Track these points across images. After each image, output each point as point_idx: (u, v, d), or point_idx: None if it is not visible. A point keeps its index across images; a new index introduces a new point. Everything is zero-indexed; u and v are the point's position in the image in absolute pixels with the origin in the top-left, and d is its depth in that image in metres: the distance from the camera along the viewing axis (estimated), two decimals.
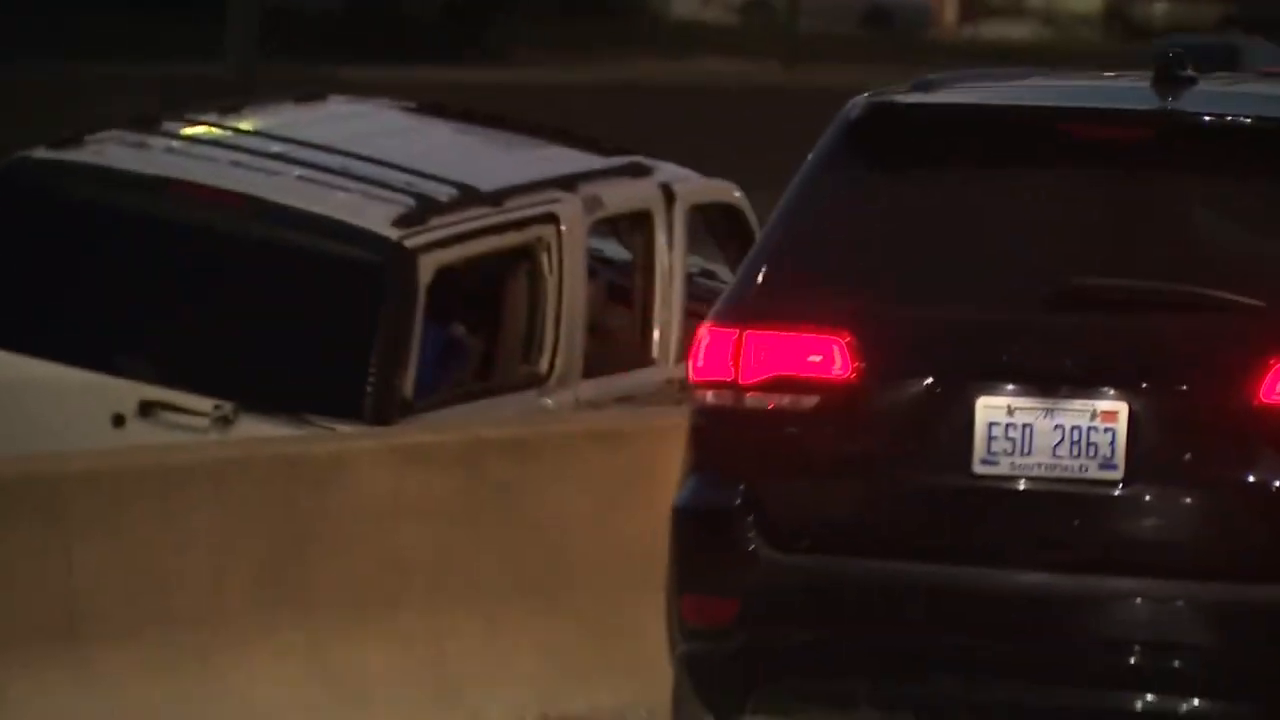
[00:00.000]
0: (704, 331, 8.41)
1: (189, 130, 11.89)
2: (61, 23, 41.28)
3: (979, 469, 7.89)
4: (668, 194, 12.01)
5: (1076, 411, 7.95)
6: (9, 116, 23.51)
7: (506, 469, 10.70)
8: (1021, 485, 7.92)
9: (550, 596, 11.32)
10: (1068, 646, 8.02)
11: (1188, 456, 8.00)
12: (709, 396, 8.46)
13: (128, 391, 11.07)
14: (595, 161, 12.12)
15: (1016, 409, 7.97)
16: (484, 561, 10.91)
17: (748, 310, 8.28)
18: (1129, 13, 63.00)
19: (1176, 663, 8.03)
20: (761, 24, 54.08)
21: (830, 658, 8.32)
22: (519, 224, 11.55)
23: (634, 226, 12.03)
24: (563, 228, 11.62)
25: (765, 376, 8.23)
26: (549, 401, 11.68)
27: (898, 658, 8.20)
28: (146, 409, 11.05)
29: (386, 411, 11.01)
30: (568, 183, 11.74)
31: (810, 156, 8.47)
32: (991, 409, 7.95)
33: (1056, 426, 7.96)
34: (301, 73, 27.18)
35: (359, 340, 11.14)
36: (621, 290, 12.61)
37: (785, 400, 8.37)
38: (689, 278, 12.41)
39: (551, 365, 11.73)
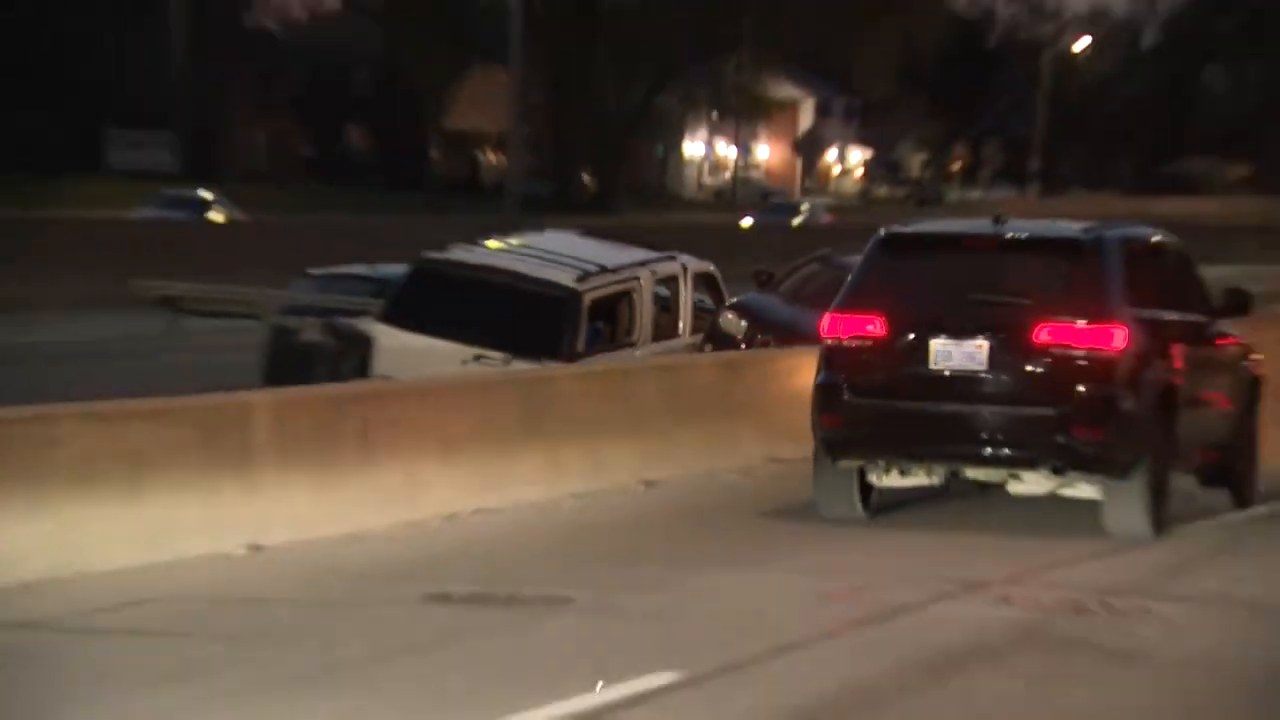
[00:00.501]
0: (828, 315, 15.80)
1: (492, 243, 20.33)
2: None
3: (933, 367, 15.46)
4: (684, 268, 20.55)
5: (970, 345, 15.34)
6: (399, 245, 33.20)
7: (622, 379, 18.20)
8: (947, 373, 15.42)
9: (691, 425, 18.28)
10: (969, 429, 15.45)
11: (1007, 362, 15.24)
12: (829, 341, 15.87)
13: (469, 352, 18.91)
14: (654, 254, 20.43)
15: (946, 344, 15.39)
16: (625, 413, 17.64)
17: (842, 307, 15.76)
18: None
19: (1000, 435, 15.36)
20: (720, 199, 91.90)
21: (880, 438, 15.74)
22: (624, 280, 19.77)
23: (671, 282, 20.30)
24: (642, 282, 19.83)
25: (850, 333, 15.71)
26: (637, 353, 19.66)
27: (907, 437, 15.62)
28: (478, 358, 18.94)
29: (571, 356, 18.94)
30: (644, 263, 20.12)
31: (866, 250, 16.20)
32: (937, 344, 15.43)
33: (962, 350, 15.33)
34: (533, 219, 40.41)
35: (559, 328, 19.11)
36: (666, 307, 20.38)
37: (856, 341, 15.67)
38: (694, 304, 20.69)
39: (638, 339, 19.75)
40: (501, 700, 10.12)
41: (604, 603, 12.69)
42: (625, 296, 19.86)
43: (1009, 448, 15.56)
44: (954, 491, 16.79)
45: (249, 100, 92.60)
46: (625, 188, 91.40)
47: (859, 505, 16.17)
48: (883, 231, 16.20)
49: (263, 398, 15.19)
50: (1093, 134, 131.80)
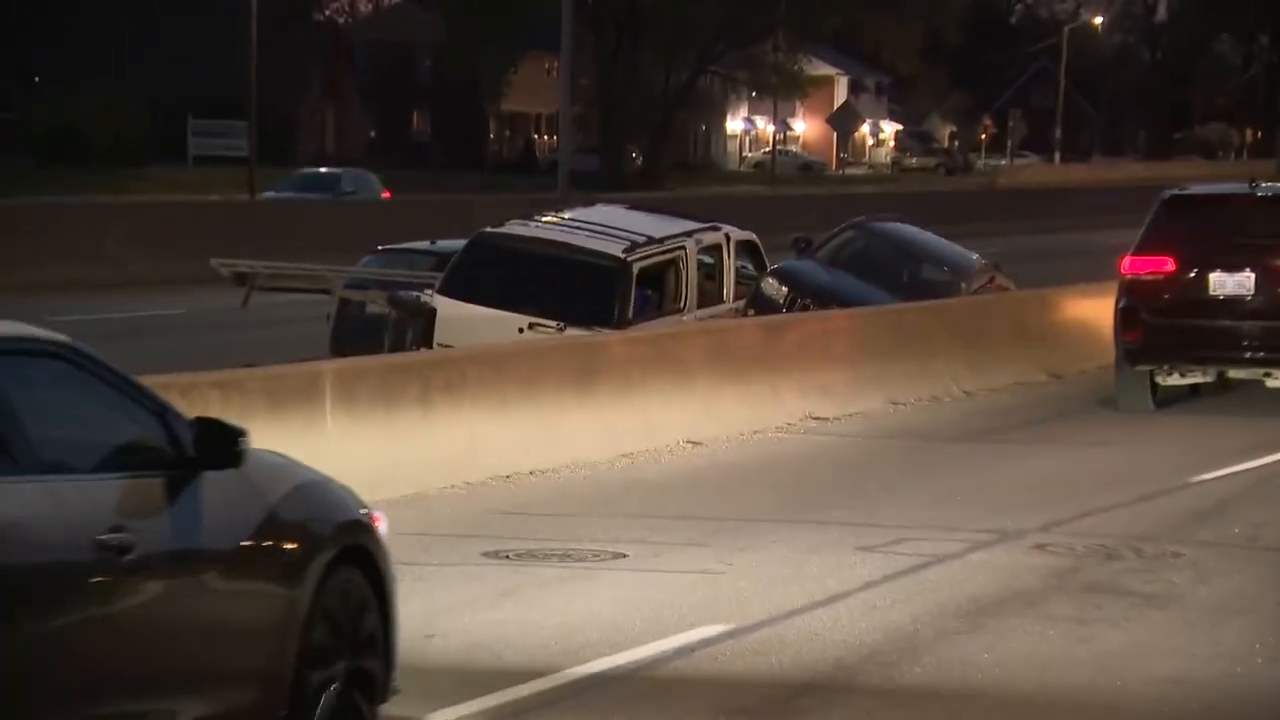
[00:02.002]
0: (1129, 257, 19.92)
1: (544, 218, 20.37)
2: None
3: (1211, 293, 19.58)
4: (727, 238, 20.41)
5: (1239, 275, 19.49)
6: (459, 221, 33.57)
7: (670, 343, 18.16)
8: (1221, 297, 19.48)
9: (736, 386, 18.20)
10: (1237, 338, 19.64)
11: (1267, 288, 19.43)
12: (1129, 276, 20.04)
13: (523, 320, 18.69)
14: (698, 225, 20.32)
15: (1221, 275, 19.49)
16: (673, 376, 17.61)
17: (1139, 251, 19.89)
18: None
19: (1260, 342, 19.58)
20: (761, 171, 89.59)
21: (1168, 347, 19.77)
22: (671, 250, 19.65)
23: (714, 251, 20.20)
24: (687, 251, 19.74)
25: (1146, 270, 19.85)
26: (685, 318, 19.51)
27: (1190, 346, 19.64)
28: (531, 326, 18.67)
29: (622, 324, 18.82)
30: (689, 233, 19.99)
31: (1154, 208, 20.36)
32: (1214, 276, 19.54)
33: (1233, 280, 19.50)
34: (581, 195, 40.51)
35: (610, 297, 19.02)
36: (711, 275, 20.29)
37: (1151, 275, 19.80)
38: (736, 270, 20.57)
39: (685, 305, 19.69)
40: (559, 655, 10.01)
41: (655, 558, 12.60)
42: (672, 265, 19.82)
43: (1266, 351, 19.68)
44: (992, 450, 16.55)
45: (318, 89, 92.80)
46: (670, 163, 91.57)
47: (1150, 401, 20.07)
48: (1167, 194, 20.36)
49: (329, 367, 15.06)
50: (1110, 104, 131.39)
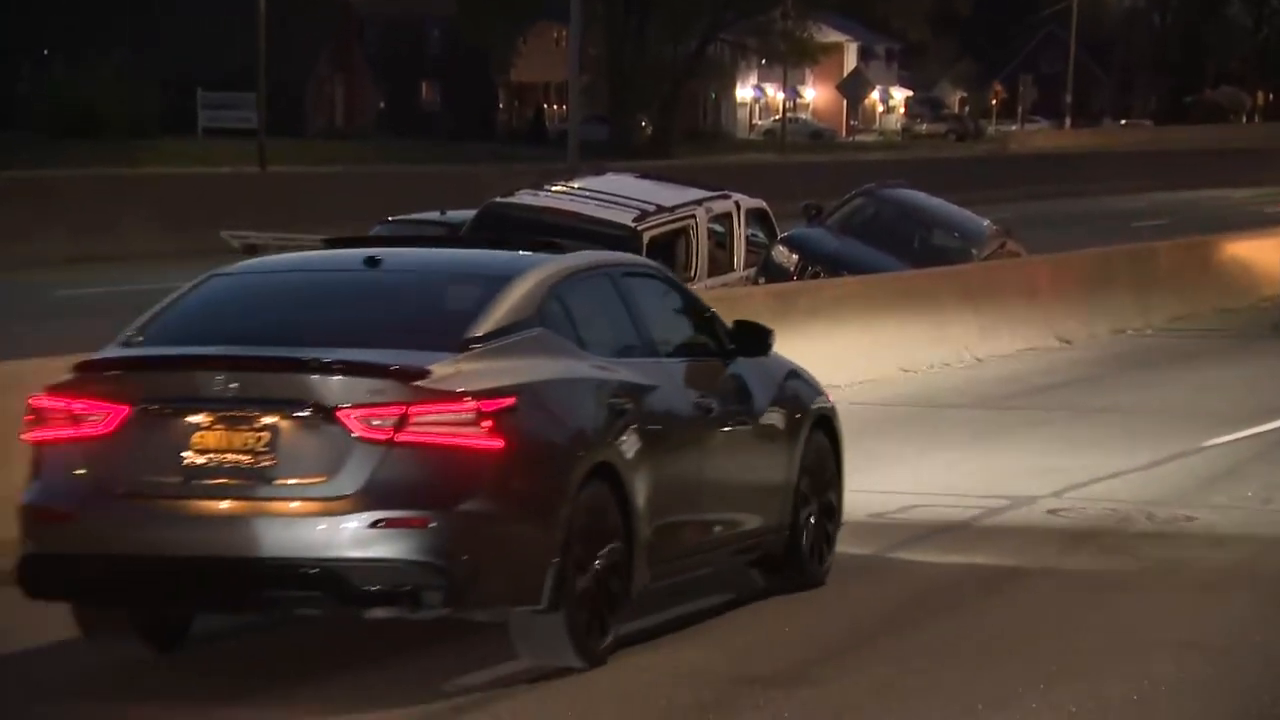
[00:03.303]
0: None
1: (554, 188, 20.25)
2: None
3: None
4: (737, 205, 20.24)
5: None
6: (467, 192, 33.76)
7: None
8: None
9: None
10: None
11: None
12: None
13: None
14: (708, 193, 20.18)
15: None
16: None
17: None
18: None
19: None
20: (771, 139, 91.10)
21: None
22: (681, 219, 19.48)
23: (725, 219, 20.07)
24: (698, 220, 19.57)
25: None
26: (695, 287, 17.86)
27: None
28: None
29: None
30: (699, 201, 19.80)
31: None
32: None
33: None
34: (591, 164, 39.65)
35: None
36: (721, 243, 20.17)
37: None
38: (746, 238, 20.39)
39: (695, 273, 19.51)
40: None
41: None
42: (682, 234, 19.73)
43: None
44: (1004, 415, 16.62)
45: (327, 61, 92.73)
46: (680, 132, 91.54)
47: None
48: None
49: None
50: (1121, 68, 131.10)
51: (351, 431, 8.63)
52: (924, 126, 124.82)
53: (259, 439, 8.65)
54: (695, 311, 10.52)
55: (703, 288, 19.67)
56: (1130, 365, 21.56)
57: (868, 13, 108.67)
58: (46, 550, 8.87)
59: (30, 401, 8.99)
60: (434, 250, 10.57)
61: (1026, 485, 14.05)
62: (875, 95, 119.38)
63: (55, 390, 8.95)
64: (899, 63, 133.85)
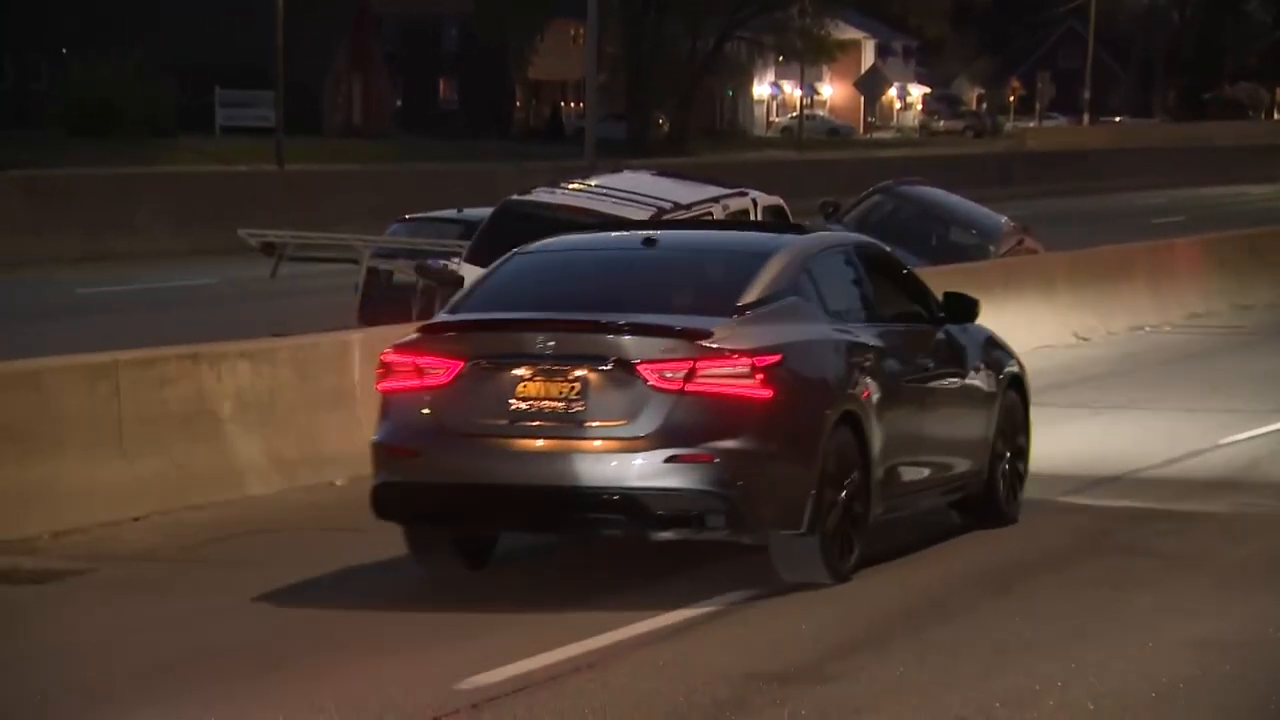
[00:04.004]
0: None
1: (571, 185, 20.17)
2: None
3: None
4: (755, 203, 20.05)
5: None
6: (485, 190, 33.95)
7: None
8: None
9: None
10: None
11: None
12: None
13: None
14: (725, 190, 20.07)
15: None
16: None
17: None
18: None
19: None
20: (788, 136, 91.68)
21: None
22: (698, 216, 19.11)
23: (742, 216, 19.71)
24: (714, 217, 19.20)
25: None
26: None
27: None
28: None
29: None
30: (716, 199, 19.65)
31: None
32: None
33: None
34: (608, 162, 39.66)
35: None
36: None
37: None
38: None
39: None
40: (588, 620, 10.06)
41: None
42: None
43: None
44: None
45: (344, 58, 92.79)
46: (697, 129, 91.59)
47: None
48: None
49: (358, 336, 15.11)
50: (1139, 64, 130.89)
51: (648, 383, 10.41)
52: (941, 123, 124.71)
53: (572, 389, 10.44)
54: (912, 284, 12.39)
55: None
56: (1148, 362, 21.57)
57: (885, 10, 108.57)
58: (394, 480, 10.63)
59: (381, 357, 10.80)
60: (698, 232, 13.42)
61: (1043, 483, 13.97)
62: (893, 92, 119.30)
63: (401, 348, 10.77)
64: (916, 59, 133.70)
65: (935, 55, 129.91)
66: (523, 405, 10.50)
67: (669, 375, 10.39)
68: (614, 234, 12.48)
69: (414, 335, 10.95)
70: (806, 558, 10.70)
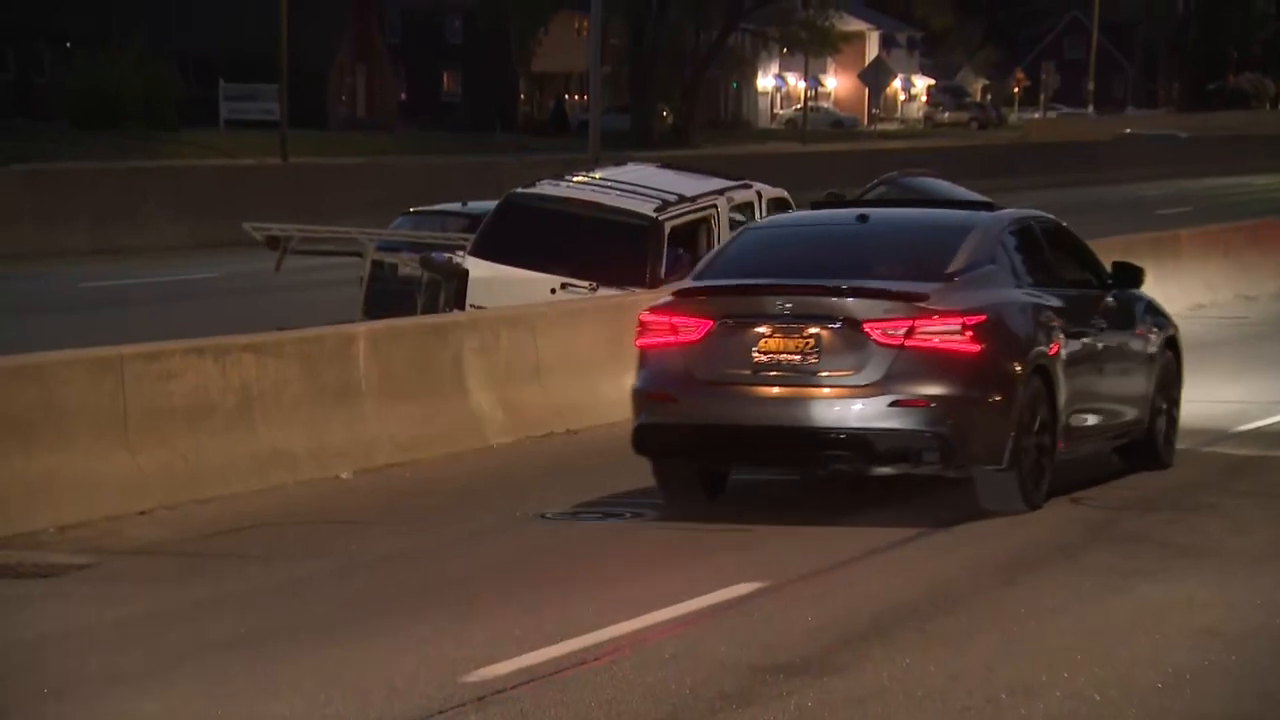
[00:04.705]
0: None
1: (575, 178, 20.03)
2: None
3: None
4: (759, 195, 20.09)
5: None
6: (489, 182, 33.99)
7: None
8: None
9: None
10: None
11: None
12: None
13: (556, 281, 18.71)
14: (730, 183, 20.10)
15: None
16: None
17: None
18: None
19: None
20: (792, 128, 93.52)
21: None
22: (702, 208, 19.45)
23: (746, 208, 19.84)
24: (719, 209, 19.52)
25: None
26: None
27: None
28: (564, 286, 18.65)
29: (654, 283, 18.35)
30: (721, 191, 19.75)
31: None
32: None
33: None
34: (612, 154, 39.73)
35: (642, 256, 18.77)
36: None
37: None
38: None
39: None
40: (593, 613, 10.05)
41: (691, 517, 12.57)
42: (704, 224, 19.68)
43: None
44: None
45: (348, 50, 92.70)
46: (702, 121, 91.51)
47: None
48: None
49: (363, 329, 15.09)
50: (1144, 55, 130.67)
51: (873, 339, 12.14)
52: (946, 115, 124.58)
53: (806, 344, 12.18)
54: (1084, 253, 13.97)
55: None
56: None
57: (890, 2, 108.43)
58: (652, 421, 12.38)
59: (640, 317, 12.64)
60: (904, 210, 15.11)
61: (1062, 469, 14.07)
62: (897, 84, 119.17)
63: (657, 310, 12.62)
64: (921, 51, 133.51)
65: (940, 46, 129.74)
66: (763, 358, 12.17)
67: (891, 332, 12.09)
68: (830, 212, 14.47)
69: (668, 299, 12.74)
70: (1006, 490, 12.32)
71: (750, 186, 20.67)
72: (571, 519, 12.53)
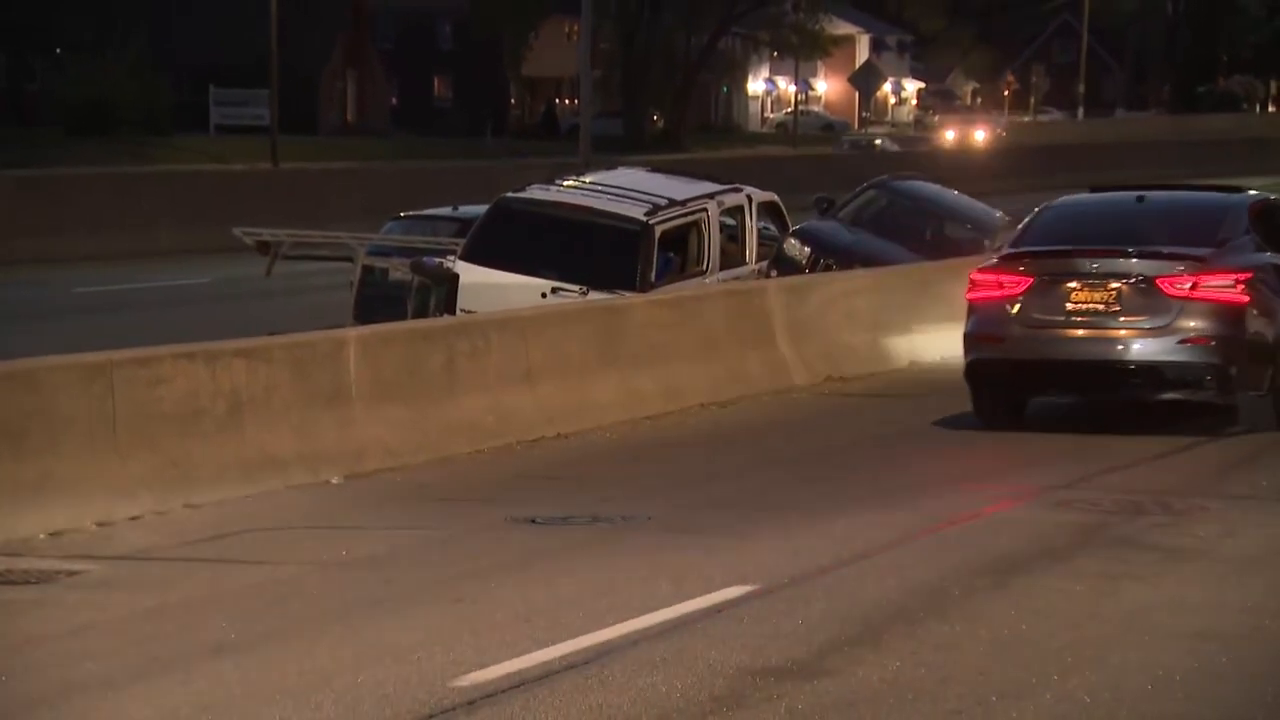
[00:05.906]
0: None
1: (566, 182, 20.23)
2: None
3: None
4: (749, 199, 20.32)
5: None
6: (479, 188, 33.94)
7: (693, 307, 18.12)
8: None
9: (758, 348, 18.01)
10: None
11: None
12: None
13: (546, 285, 18.88)
14: (720, 187, 20.30)
15: None
16: (696, 339, 17.71)
17: None
18: None
19: None
20: (783, 132, 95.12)
21: None
22: (693, 212, 19.63)
23: (736, 212, 20.21)
24: (709, 213, 19.70)
25: None
26: (707, 280, 19.58)
27: None
28: (554, 290, 18.79)
29: (644, 286, 18.90)
30: (711, 195, 19.92)
31: None
32: None
33: None
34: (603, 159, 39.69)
35: (633, 260, 19.02)
36: (733, 236, 20.39)
37: None
38: (758, 231, 20.59)
39: (707, 267, 19.70)
40: (583, 617, 10.03)
41: (681, 521, 12.57)
42: (694, 227, 19.87)
43: None
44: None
45: (339, 56, 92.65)
46: (692, 125, 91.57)
47: None
48: None
49: (353, 334, 15.07)
50: (1134, 58, 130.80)
51: (1164, 292, 15.44)
52: (936, 118, 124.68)
53: (1109, 296, 15.48)
54: None
55: (714, 281, 19.78)
56: None
57: (880, 3, 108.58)
58: (982, 357, 15.79)
59: (971, 275, 16.04)
60: (1172, 192, 17.93)
61: (1039, 476, 14.01)
62: (887, 87, 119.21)
63: (985, 270, 16.03)
64: (911, 54, 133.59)
65: (930, 50, 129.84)
66: (1074, 307, 15.48)
67: (1179, 286, 15.37)
68: (1113, 194, 17.58)
69: (994, 261, 16.19)
70: (1264, 411, 15.55)
71: (740, 190, 20.84)
72: (561, 523, 12.48)
